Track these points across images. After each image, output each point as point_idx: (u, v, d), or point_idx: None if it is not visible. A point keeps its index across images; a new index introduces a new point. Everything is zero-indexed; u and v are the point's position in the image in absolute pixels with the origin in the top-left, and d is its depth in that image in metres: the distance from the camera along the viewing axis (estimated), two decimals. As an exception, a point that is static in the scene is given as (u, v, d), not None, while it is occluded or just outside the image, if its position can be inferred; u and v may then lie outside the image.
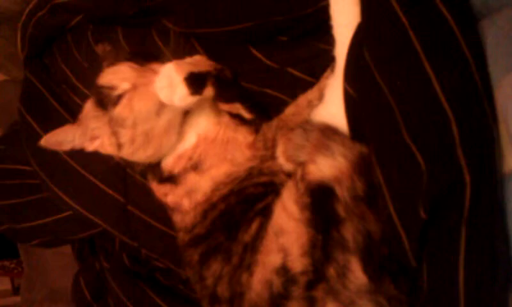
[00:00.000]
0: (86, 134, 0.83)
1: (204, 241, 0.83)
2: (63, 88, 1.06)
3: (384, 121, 0.67)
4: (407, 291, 0.66)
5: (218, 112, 0.86)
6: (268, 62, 0.87)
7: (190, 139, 0.85)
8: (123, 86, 0.79)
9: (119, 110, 0.79)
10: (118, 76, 0.81)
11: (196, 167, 0.84)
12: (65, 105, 1.04)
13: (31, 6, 1.08)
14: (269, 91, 0.88)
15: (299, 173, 0.72)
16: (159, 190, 0.89)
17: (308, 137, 0.74)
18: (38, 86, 1.07)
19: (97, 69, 0.87)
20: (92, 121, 0.83)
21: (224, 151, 0.83)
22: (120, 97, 0.79)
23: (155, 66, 0.82)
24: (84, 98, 0.89)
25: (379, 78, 0.67)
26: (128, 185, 0.99)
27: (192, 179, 0.84)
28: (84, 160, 0.97)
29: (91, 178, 0.99)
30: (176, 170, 0.85)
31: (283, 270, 0.70)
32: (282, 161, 0.79)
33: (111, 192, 0.99)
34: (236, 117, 0.85)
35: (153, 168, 0.88)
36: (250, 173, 0.82)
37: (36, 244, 1.13)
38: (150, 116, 0.79)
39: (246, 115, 0.85)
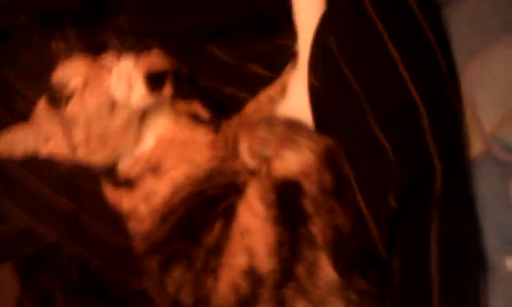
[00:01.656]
0: (39, 136, 0.79)
1: (163, 247, 0.78)
2: (7, 96, 0.99)
3: (351, 111, 0.66)
4: (377, 283, 0.65)
5: (177, 112, 0.83)
6: (227, 58, 0.85)
7: (148, 141, 0.81)
8: (75, 81, 0.75)
9: (70, 107, 0.75)
10: (70, 71, 0.77)
11: (154, 170, 0.80)
12: (10, 110, 0.98)
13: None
14: (228, 88, 0.86)
15: (264, 169, 0.70)
16: (114, 195, 0.84)
17: (273, 131, 0.72)
18: None
19: (49, 71, 0.81)
20: (45, 122, 0.78)
21: (183, 152, 0.80)
22: (71, 93, 0.75)
23: (109, 60, 0.78)
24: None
25: (345, 67, 0.66)
26: (81, 192, 0.94)
27: (150, 182, 0.80)
28: (31, 163, 0.90)
29: (38, 183, 0.93)
30: (132, 173, 0.81)
31: (250, 271, 0.67)
32: (246, 158, 0.76)
33: (61, 199, 0.93)
34: (195, 117, 0.82)
35: (108, 172, 0.83)
36: (210, 174, 0.79)
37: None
38: (103, 114, 0.75)
39: (205, 114, 0.82)
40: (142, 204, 0.81)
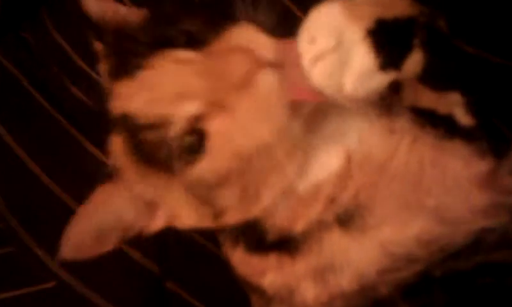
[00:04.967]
0: (139, 207, 0.45)
1: None
2: (54, 73, 0.78)
3: None
4: None
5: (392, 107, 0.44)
6: None
7: (329, 160, 0.44)
8: (191, 107, 0.39)
9: (206, 165, 0.40)
10: (173, 89, 0.40)
11: (346, 219, 0.43)
12: (56, 100, 0.76)
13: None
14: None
15: None
16: (250, 262, 0.49)
17: None
18: (12, 70, 0.79)
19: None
20: (139, 184, 0.44)
21: (417, 188, 0.42)
22: (200, 139, 0.40)
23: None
24: (91, 88, 0.72)
25: None
26: (169, 249, 0.66)
27: (334, 243, 0.43)
28: None
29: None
30: (300, 226, 0.44)
31: None
32: None
33: (140, 259, 0.66)
34: (444, 121, 0.43)
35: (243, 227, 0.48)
36: (476, 241, 0.40)
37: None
38: (266, 146, 0.41)
39: (465, 118, 0.43)
40: (308, 283, 0.45)
